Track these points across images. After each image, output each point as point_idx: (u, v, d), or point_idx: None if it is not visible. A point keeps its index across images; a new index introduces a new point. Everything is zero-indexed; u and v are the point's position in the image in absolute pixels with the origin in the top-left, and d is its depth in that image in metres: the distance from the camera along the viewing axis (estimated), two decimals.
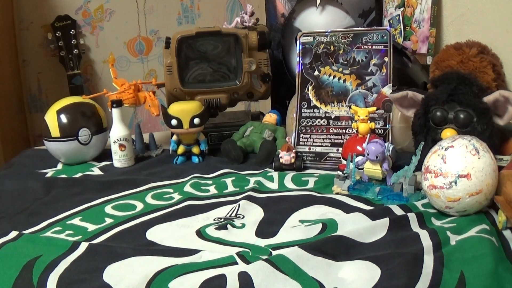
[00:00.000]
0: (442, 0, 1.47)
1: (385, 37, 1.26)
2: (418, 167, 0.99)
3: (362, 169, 1.09)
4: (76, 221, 1.00)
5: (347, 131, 1.25)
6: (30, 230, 0.96)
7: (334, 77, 1.30)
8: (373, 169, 1.08)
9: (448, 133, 1.02)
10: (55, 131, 1.30)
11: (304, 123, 1.30)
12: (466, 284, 0.70)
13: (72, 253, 0.84)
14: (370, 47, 1.27)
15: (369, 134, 1.14)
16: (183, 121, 1.29)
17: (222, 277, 0.75)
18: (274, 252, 0.83)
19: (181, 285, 0.75)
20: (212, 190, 1.13)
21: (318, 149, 1.27)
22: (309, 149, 1.27)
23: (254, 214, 1.00)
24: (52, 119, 1.31)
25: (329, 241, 0.83)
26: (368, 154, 1.07)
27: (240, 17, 1.44)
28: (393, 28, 1.62)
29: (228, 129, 1.42)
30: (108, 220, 1.00)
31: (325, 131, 1.28)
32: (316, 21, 1.60)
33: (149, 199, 1.10)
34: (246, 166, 1.28)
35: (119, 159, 1.32)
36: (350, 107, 1.26)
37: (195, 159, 1.33)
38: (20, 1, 2.14)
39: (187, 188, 1.14)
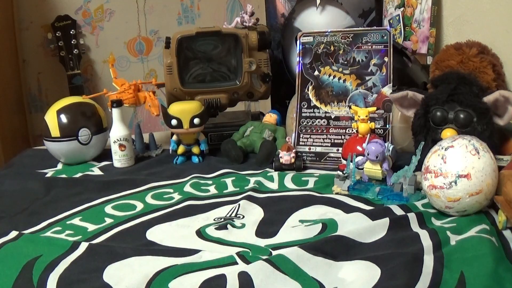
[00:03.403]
0: (442, 0, 1.47)
1: (385, 37, 1.26)
2: (418, 167, 0.99)
3: (362, 169, 1.09)
4: (76, 221, 1.00)
5: (347, 131, 1.25)
6: (30, 230, 0.96)
7: (334, 77, 1.30)
8: (373, 169, 1.08)
9: (448, 133, 1.02)
10: (55, 131, 1.30)
11: (304, 123, 1.30)
12: (466, 284, 0.70)
13: (72, 253, 0.84)
14: (370, 47, 1.27)
15: (369, 134, 1.14)
16: (183, 121, 1.29)
17: (222, 277, 0.75)
18: (274, 252, 0.83)
19: (181, 285, 0.75)
20: (212, 190, 1.13)
21: (318, 149, 1.27)
22: (309, 149, 1.27)
23: (254, 214, 1.00)
24: (52, 119, 1.31)
25: (329, 241, 0.83)
26: (368, 154, 1.07)
27: (240, 17, 1.44)
28: (393, 28, 1.61)
29: (228, 129, 1.42)
30: (108, 220, 1.00)
31: (325, 131, 1.28)
32: (316, 21, 1.60)
33: (149, 199, 1.10)
34: (246, 166, 1.27)
35: (119, 159, 1.32)
36: (350, 107, 1.26)
37: (195, 159, 1.33)
38: (20, 1, 2.14)
39: (187, 188, 1.14)
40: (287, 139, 1.28)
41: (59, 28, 2.11)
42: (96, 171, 1.30)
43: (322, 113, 1.29)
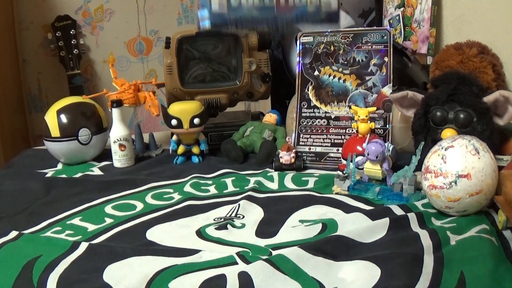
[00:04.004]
0: (442, 0, 1.47)
1: (385, 37, 1.26)
2: (418, 167, 0.98)
3: (362, 169, 1.09)
4: (76, 221, 1.00)
5: (347, 131, 1.25)
6: (30, 230, 0.96)
7: (334, 77, 1.30)
8: (373, 169, 1.08)
9: (448, 133, 1.02)
10: (55, 131, 1.30)
11: (304, 123, 1.30)
12: (466, 284, 0.70)
13: (72, 253, 0.84)
14: (370, 47, 1.27)
15: (369, 134, 1.14)
16: (183, 121, 1.29)
17: (222, 277, 0.75)
18: (274, 252, 0.83)
19: (181, 285, 0.75)
20: (212, 190, 1.13)
21: (318, 149, 1.27)
22: (309, 149, 1.27)
23: (254, 214, 1.00)
24: (52, 119, 1.31)
25: (329, 241, 0.83)
26: (368, 154, 1.07)
27: None
28: (393, 28, 1.62)
29: (228, 129, 1.42)
30: (108, 220, 1.00)
31: (325, 131, 1.28)
32: None
33: (149, 199, 1.10)
34: (246, 166, 1.27)
35: (119, 159, 1.32)
36: (350, 107, 1.26)
37: (195, 159, 1.33)
38: (20, 1, 2.14)
39: (187, 188, 1.14)
40: (287, 139, 1.28)
41: (59, 28, 2.11)
42: (96, 171, 1.30)
43: (322, 113, 1.29)
